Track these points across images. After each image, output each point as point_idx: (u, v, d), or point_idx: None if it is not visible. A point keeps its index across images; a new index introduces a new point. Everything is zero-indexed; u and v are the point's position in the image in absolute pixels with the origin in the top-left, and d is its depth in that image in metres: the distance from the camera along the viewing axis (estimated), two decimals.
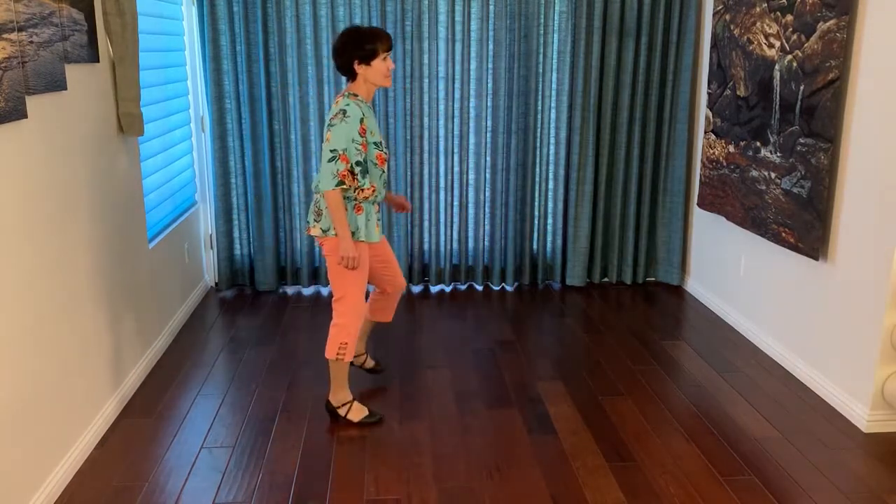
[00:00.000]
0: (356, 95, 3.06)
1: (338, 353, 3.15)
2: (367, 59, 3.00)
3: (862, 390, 3.28)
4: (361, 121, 3.00)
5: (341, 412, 3.27)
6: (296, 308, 4.72)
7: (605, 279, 5.25)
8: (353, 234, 3.08)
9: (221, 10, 4.57)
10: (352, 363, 3.57)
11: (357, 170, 3.02)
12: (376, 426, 3.25)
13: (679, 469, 2.94)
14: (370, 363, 3.70)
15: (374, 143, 3.08)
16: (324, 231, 3.09)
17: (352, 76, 3.06)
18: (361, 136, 3.01)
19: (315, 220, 3.13)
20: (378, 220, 3.21)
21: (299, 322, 4.48)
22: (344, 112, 2.97)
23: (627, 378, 3.75)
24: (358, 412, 3.27)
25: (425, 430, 3.23)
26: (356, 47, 2.99)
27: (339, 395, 3.26)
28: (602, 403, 3.48)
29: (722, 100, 4.40)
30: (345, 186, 2.99)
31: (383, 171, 3.15)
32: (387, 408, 3.43)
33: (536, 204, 5.07)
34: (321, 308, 4.72)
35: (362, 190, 3.07)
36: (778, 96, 3.78)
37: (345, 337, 3.14)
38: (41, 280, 2.70)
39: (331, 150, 2.96)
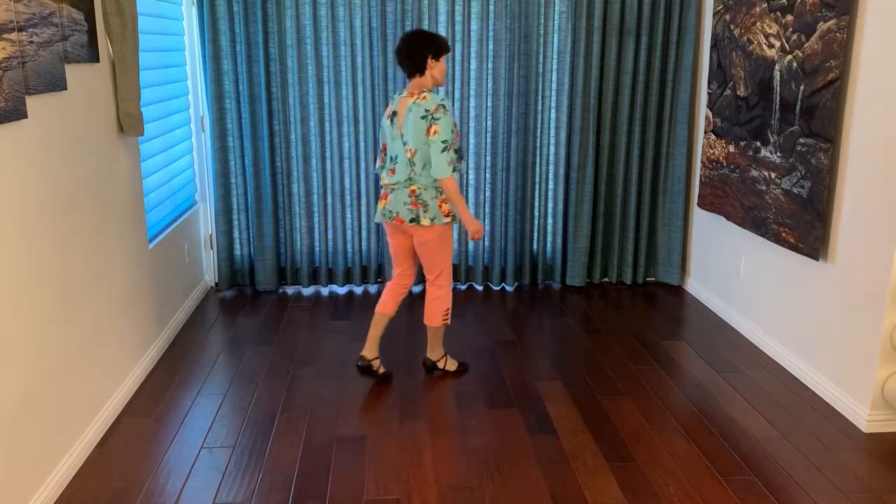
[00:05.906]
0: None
1: (444, 318, 3.61)
2: (437, 56, 3.34)
3: (862, 390, 3.28)
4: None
5: (440, 364, 3.76)
6: (296, 308, 4.72)
7: (605, 279, 5.25)
8: (453, 217, 3.44)
9: (221, 10, 4.57)
10: (366, 368, 3.72)
11: (455, 157, 3.34)
12: (463, 373, 3.74)
13: (679, 469, 2.94)
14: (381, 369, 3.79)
15: None
16: (431, 220, 3.38)
17: (421, 72, 3.35)
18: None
19: (424, 212, 3.37)
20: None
21: (299, 322, 4.48)
22: (444, 106, 3.28)
23: (627, 378, 3.75)
24: (452, 363, 3.79)
25: (425, 430, 3.23)
26: (431, 43, 3.32)
27: (437, 351, 3.74)
28: (602, 403, 3.48)
29: (722, 100, 4.40)
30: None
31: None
32: (387, 408, 3.43)
33: (536, 204, 5.07)
34: (321, 308, 4.72)
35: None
36: (778, 96, 3.78)
37: (447, 304, 3.59)
38: (40, 280, 2.70)
39: (442, 142, 3.26)
